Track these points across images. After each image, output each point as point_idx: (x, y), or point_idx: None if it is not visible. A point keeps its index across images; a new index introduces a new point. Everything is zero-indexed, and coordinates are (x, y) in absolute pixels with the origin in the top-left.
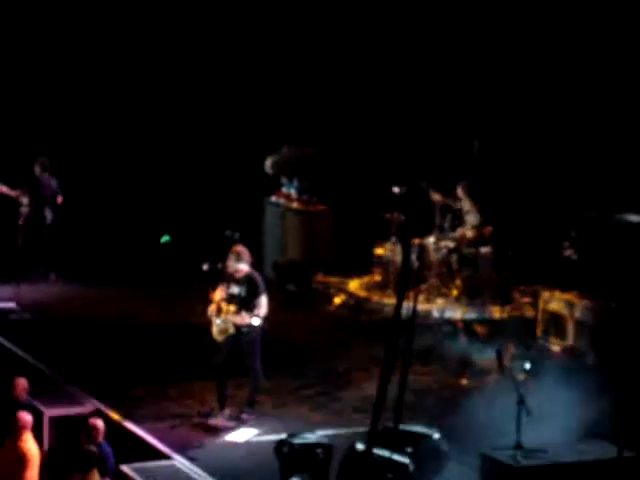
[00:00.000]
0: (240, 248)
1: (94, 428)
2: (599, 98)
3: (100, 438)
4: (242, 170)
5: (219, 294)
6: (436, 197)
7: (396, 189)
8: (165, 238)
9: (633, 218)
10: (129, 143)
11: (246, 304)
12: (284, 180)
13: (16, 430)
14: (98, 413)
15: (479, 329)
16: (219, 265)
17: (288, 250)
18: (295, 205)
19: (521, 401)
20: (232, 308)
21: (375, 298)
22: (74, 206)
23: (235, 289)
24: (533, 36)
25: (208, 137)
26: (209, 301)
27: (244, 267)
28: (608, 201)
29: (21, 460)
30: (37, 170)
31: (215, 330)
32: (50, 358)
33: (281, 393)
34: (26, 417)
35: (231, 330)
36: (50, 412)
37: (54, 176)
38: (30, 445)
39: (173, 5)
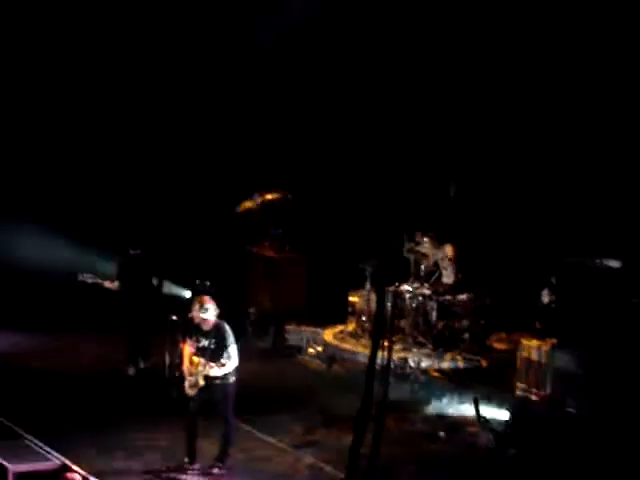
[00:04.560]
0: (205, 298)
1: None
2: (578, 143)
3: None
4: (221, 218)
5: (188, 349)
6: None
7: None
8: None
9: (613, 264)
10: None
11: (215, 356)
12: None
13: None
14: (64, 468)
15: (456, 378)
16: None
17: (261, 298)
18: (267, 252)
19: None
20: (202, 361)
21: (349, 347)
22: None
23: (204, 342)
24: (510, 78)
25: (181, 184)
26: (178, 351)
27: (210, 317)
28: (588, 247)
29: None
30: None
31: (187, 384)
32: (7, 410)
33: (253, 446)
34: None
35: (201, 382)
36: (15, 468)
37: None
38: None
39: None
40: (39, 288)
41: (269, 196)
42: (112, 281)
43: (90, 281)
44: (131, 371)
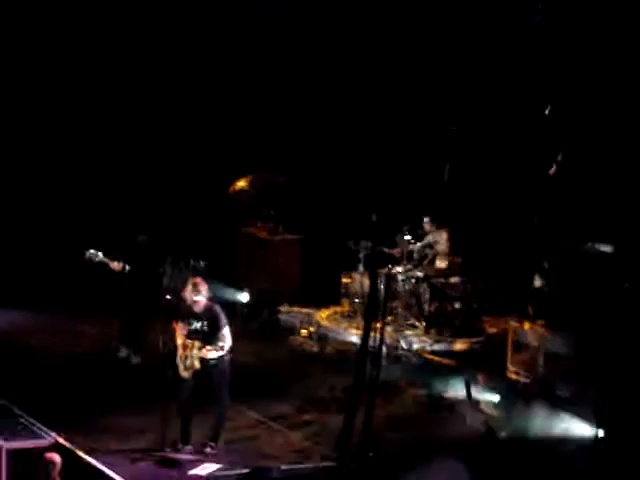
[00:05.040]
0: (198, 280)
1: (50, 463)
2: (570, 126)
3: (56, 474)
4: (215, 198)
5: (180, 331)
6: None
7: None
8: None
9: (605, 248)
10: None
11: (209, 338)
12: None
13: None
14: (57, 446)
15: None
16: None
17: (255, 280)
18: (261, 234)
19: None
20: (196, 344)
21: (342, 329)
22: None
23: (196, 324)
24: (500, 63)
25: (176, 164)
26: (172, 332)
27: (201, 299)
28: (580, 231)
29: None
30: None
31: (181, 367)
32: (1, 388)
33: (246, 426)
34: None
35: (197, 365)
36: (8, 445)
37: None
38: None
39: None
40: (43, 262)
41: (262, 177)
42: (119, 262)
43: (97, 259)
44: (123, 353)
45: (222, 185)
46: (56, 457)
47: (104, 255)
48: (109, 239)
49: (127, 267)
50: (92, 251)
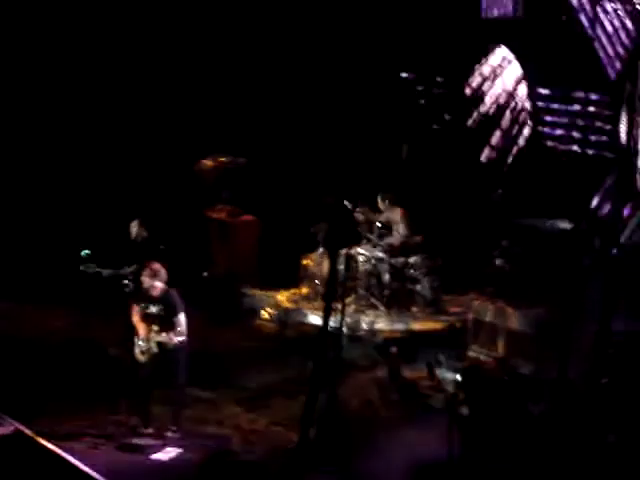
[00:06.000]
0: (155, 265)
1: None
2: None
3: None
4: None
5: (136, 315)
6: (360, 217)
7: (328, 199)
8: (85, 252)
9: (563, 225)
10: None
11: (166, 323)
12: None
13: None
14: (18, 434)
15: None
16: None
17: (216, 262)
18: (221, 216)
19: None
20: (154, 328)
21: (302, 310)
22: None
23: (153, 308)
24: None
25: (136, 148)
26: (128, 318)
27: (158, 284)
28: (539, 208)
29: None
30: None
31: (137, 351)
32: None
33: (206, 410)
34: None
35: (154, 350)
36: None
37: None
38: None
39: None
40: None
41: (222, 159)
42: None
43: (91, 271)
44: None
45: (185, 167)
46: None
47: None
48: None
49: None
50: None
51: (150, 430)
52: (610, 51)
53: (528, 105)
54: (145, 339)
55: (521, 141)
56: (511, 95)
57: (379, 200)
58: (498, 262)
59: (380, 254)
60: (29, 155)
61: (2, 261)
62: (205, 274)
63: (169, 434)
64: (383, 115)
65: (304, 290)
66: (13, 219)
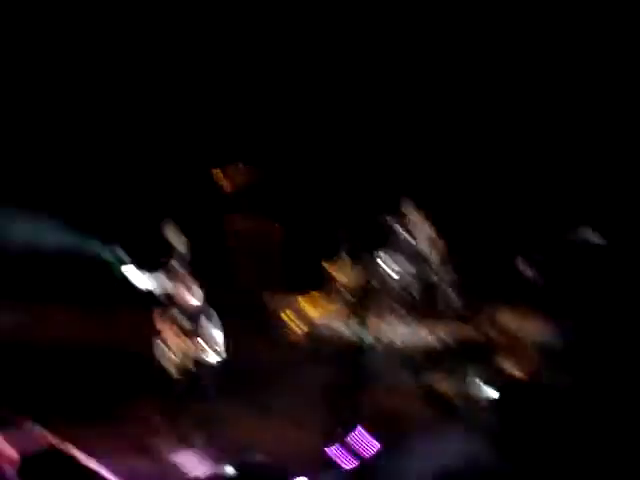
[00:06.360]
0: (189, 279)
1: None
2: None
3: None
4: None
5: (170, 328)
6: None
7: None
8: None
9: (595, 238)
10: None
11: (202, 338)
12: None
13: None
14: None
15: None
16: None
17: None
18: (245, 223)
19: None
20: (188, 341)
21: (330, 320)
22: None
23: (187, 321)
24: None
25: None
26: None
27: (193, 299)
28: (569, 221)
29: None
30: None
31: (171, 365)
32: None
33: (235, 421)
34: None
35: (188, 363)
36: None
37: None
38: None
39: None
40: None
41: (242, 167)
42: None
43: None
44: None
45: (204, 177)
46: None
47: None
48: None
49: None
50: None
51: (182, 443)
52: None
53: None
54: (180, 354)
55: None
56: None
57: (404, 205)
58: (528, 273)
59: (407, 262)
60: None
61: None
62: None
63: (195, 445)
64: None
65: (331, 299)
66: None
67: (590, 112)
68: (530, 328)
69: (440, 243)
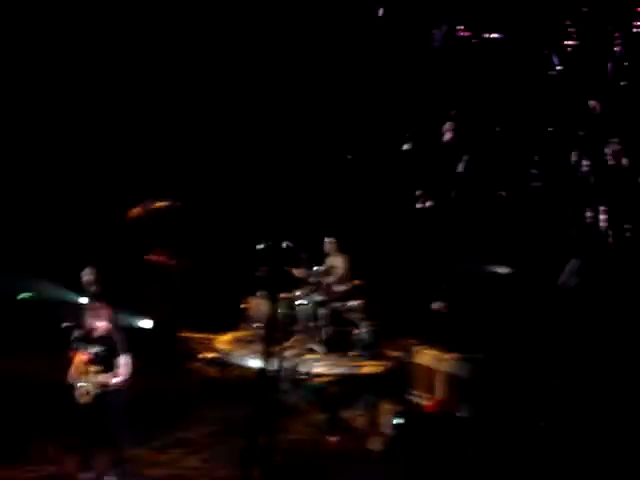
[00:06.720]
0: (96, 305)
1: None
2: None
3: None
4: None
5: (81, 356)
6: (296, 273)
7: (260, 246)
8: (25, 295)
9: (502, 270)
10: None
11: (108, 364)
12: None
13: None
14: None
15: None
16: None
17: (154, 307)
18: (158, 260)
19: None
20: (94, 369)
21: (242, 354)
22: None
23: (96, 349)
24: None
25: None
26: (69, 360)
27: (100, 324)
28: (476, 254)
29: None
30: None
31: (77, 393)
32: None
33: (146, 454)
34: None
35: (93, 392)
36: None
37: None
38: None
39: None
40: None
41: (158, 204)
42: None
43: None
44: None
45: (119, 213)
46: None
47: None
48: None
49: None
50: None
51: (89, 474)
52: None
53: None
54: (85, 380)
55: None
56: None
57: (326, 244)
58: (436, 306)
59: (320, 298)
60: None
61: None
62: (146, 318)
63: (107, 478)
64: (319, 160)
65: (243, 333)
66: None
67: None
68: (439, 361)
69: (354, 281)
